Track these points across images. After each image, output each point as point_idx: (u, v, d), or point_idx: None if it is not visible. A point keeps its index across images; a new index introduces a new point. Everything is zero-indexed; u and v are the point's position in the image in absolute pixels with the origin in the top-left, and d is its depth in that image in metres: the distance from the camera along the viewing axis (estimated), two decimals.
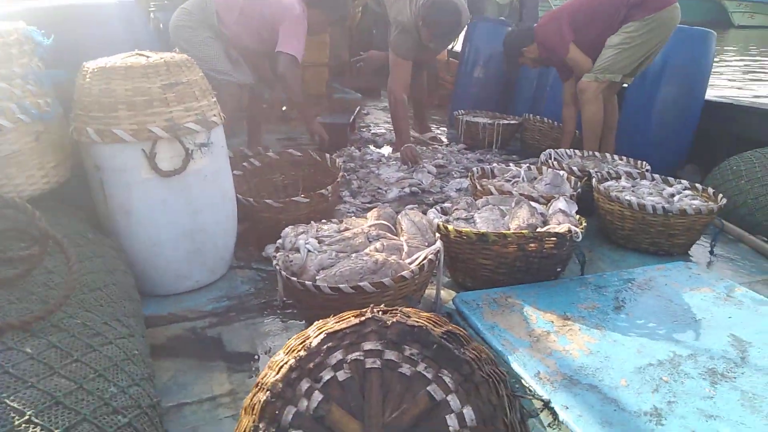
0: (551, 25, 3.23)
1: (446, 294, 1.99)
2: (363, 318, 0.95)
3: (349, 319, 0.96)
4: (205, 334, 1.76)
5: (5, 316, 1.19)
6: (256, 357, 1.66)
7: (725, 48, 14.72)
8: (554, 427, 1.25)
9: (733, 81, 10.62)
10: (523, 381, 1.42)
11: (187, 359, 1.63)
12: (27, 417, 0.93)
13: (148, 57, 1.82)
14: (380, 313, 0.97)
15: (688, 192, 2.50)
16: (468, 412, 0.85)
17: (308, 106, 3.32)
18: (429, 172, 3.31)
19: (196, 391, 1.49)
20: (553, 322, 1.68)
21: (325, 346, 0.91)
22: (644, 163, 2.92)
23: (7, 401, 0.95)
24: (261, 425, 0.85)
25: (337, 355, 0.90)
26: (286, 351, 0.95)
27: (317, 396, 0.86)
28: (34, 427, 0.92)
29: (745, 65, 13.11)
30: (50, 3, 2.16)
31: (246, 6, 2.93)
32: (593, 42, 3.11)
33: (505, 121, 4.10)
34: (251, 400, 0.91)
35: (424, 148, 4.00)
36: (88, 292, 1.44)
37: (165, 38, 3.34)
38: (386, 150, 3.92)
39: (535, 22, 4.87)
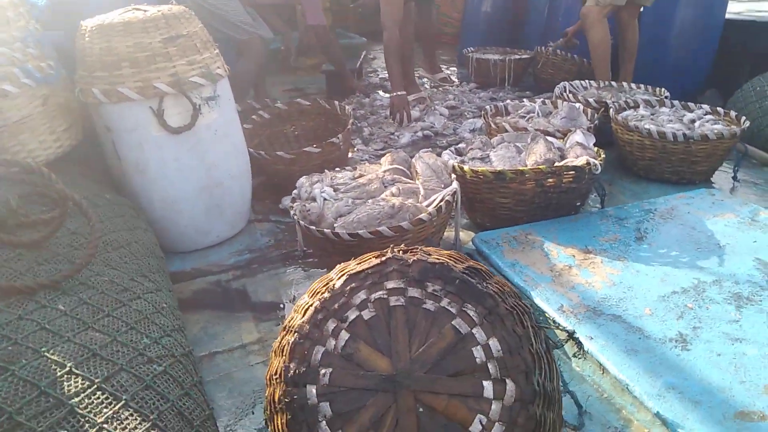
0: None
1: (465, 235, 1.99)
2: (384, 258, 0.95)
3: (370, 260, 0.96)
4: (230, 287, 1.79)
5: (36, 276, 1.21)
6: (282, 306, 1.69)
7: None
8: (579, 356, 1.27)
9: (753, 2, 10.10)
10: (546, 315, 1.42)
11: (215, 311, 1.67)
12: (68, 368, 0.96)
13: (145, 11, 1.78)
14: (401, 252, 0.97)
15: (709, 117, 2.42)
16: (494, 344, 0.86)
17: (345, 67, 3.52)
18: (441, 114, 3.25)
19: (227, 340, 1.53)
20: (574, 256, 1.68)
21: (348, 287, 0.92)
22: (663, 90, 2.82)
23: (48, 354, 0.98)
24: (292, 365, 0.87)
25: (361, 295, 0.91)
26: (311, 294, 0.96)
27: (344, 335, 0.88)
28: (75, 377, 0.95)
29: None
30: None
31: None
32: None
33: (517, 56, 3.98)
34: (280, 342, 0.93)
35: (435, 89, 3.91)
36: (112, 250, 1.46)
37: None
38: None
39: None
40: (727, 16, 3.40)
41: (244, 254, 1.98)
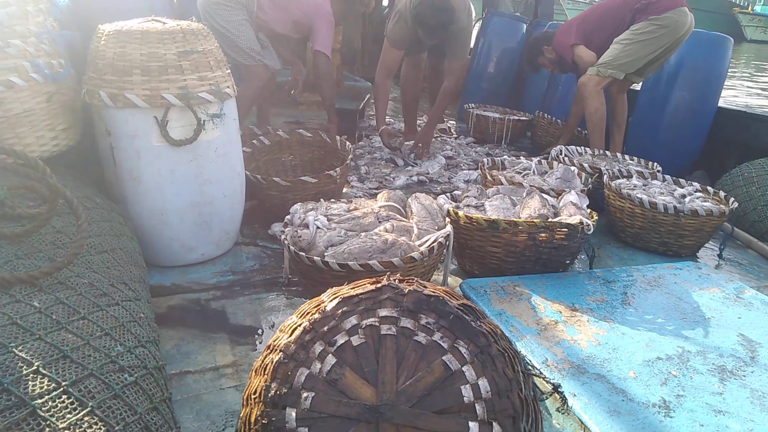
0: (561, 32, 3.37)
1: (453, 281, 1.97)
2: (379, 285, 0.93)
3: (364, 285, 0.94)
4: (209, 306, 1.75)
5: (13, 270, 1.17)
6: (260, 331, 1.64)
7: (738, 61, 14.74)
8: (562, 412, 1.24)
9: (744, 92, 10.64)
10: (531, 367, 1.40)
11: (191, 329, 1.61)
12: (35, 367, 0.91)
13: (164, 23, 1.80)
14: (396, 281, 0.95)
15: (699, 194, 2.48)
16: (483, 384, 0.84)
17: (334, 106, 3.32)
18: (438, 162, 3.29)
19: (199, 360, 1.47)
20: (561, 312, 1.67)
21: (340, 311, 0.89)
22: (655, 164, 2.90)
23: (15, 351, 0.93)
24: (273, 385, 0.83)
25: (352, 320, 0.88)
26: (300, 314, 0.94)
27: (330, 359, 0.85)
28: (42, 378, 0.90)
29: (757, 78, 13.12)
30: None
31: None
32: (603, 46, 3.16)
33: (515, 117, 4.08)
34: (262, 361, 0.90)
35: (434, 139, 3.97)
36: (95, 254, 1.42)
37: (179, 12, 3.31)
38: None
39: (549, 18, 4.86)
40: (720, 104, 3.54)
41: (227, 275, 1.94)
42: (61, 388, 0.91)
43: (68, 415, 0.89)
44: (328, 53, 3.08)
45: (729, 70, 3.62)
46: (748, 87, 11.49)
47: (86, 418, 0.88)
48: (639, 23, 3.04)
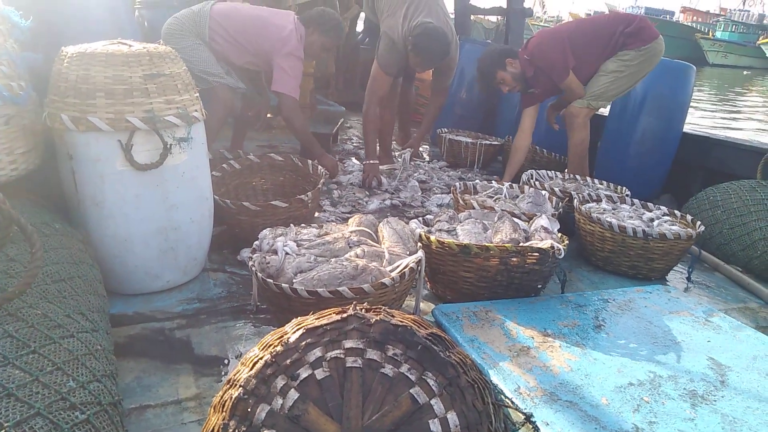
0: (553, 45, 3.08)
1: (425, 306, 1.95)
2: (345, 315, 0.90)
3: (330, 316, 0.91)
4: (173, 336, 1.68)
5: None
6: (226, 361, 1.58)
7: (700, 85, 15.32)
8: None
9: (707, 116, 11.02)
10: (503, 395, 1.37)
11: (153, 360, 1.55)
12: None
13: (130, 46, 1.77)
14: (363, 310, 0.93)
15: (666, 218, 2.52)
16: (452, 418, 0.81)
17: (315, 144, 3.12)
18: (411, 187, 3.29)
19: (161, 393, 1.41)
20: (533, 337, 1.65)
21: (303, 342, 0.86)
22: (624, 188, 2.94)
23: None
24: (231, 423, 0.79)
25: (316, 353, 0.85)
26: (262, 347, 0.90)
27: (293, 394, 0.81)
28: None
29: (719, 101, 13.62)
30: None
31: (241, 30, 2.86)
32: (586, 66, 3.13)
33: (487, 142, 4.12)
34: (221, 397, 0.85)
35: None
36: (51, 283, 1.36)
37: (149, 36, 3.28)
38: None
39: (520, 46, 4.95)
40: (685, 129, 3.64)
41: (193, 303, 1.88)
42: (3, 430, 0.85)
43: None
44: (292, 93, 2.90)
45: (693, 95, 3.73)
46: (712, 112, 11.91)
47: None
48: (629, 52, 3.01)
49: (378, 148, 3.73)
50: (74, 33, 1.92)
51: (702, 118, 10.54)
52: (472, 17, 5.78)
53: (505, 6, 5.36)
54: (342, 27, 3.10)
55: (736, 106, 13.73)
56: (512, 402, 1.31)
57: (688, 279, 2.43)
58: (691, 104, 3.82)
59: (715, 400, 1.41)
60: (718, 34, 29.43)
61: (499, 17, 7.06)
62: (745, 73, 24.34)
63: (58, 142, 1.76)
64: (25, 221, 1.26)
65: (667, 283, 2.40)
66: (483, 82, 3.35)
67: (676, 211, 2.57)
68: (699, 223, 2.41)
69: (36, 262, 1.23)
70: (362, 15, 5.35)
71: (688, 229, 2.37)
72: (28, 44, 1.76)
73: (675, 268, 2.47)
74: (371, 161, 3.40)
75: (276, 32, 2.85)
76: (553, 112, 3.50)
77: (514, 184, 2.78)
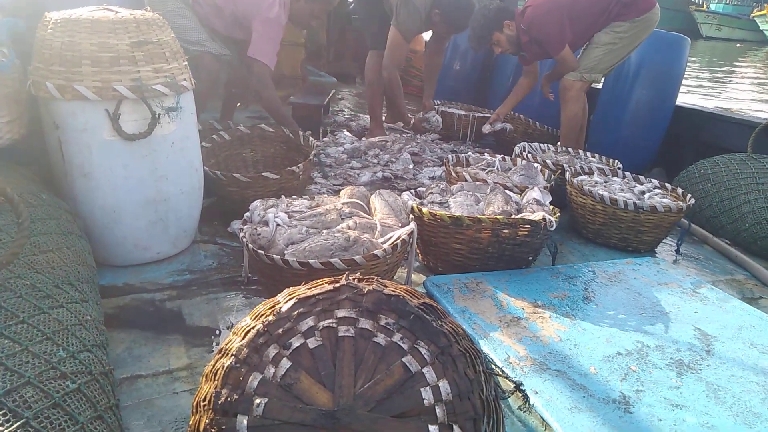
0: (551, 16, 3.00)
1: (416, 278, 1.95)
2: (337, 284, 0.90)
3: (322, 285, 0.91)
4: (163, 307, 1.68)
5: None
6: (217, 332, 1.59)
7: (694, 58, 15.28)
8: (524, 410, 1.23)
9: (700, 89, 11.01)
10: (493, 364, 1.39)
11: (144, 331, 1.55)
12: None
13: (116, 12, 1.72)
14: (355, 280, 0.92)
15: (658, 191, 2.53)
16: (444, 386, 0.81)
17: (286, 119, 2.96)
18: (404, 159, 3.27)
19: (152, 364, 1.41)
20: (523, 308, 1.67)
21: (295, 312, 0.86)
22: (616, 161, 2.94)
23: None
24: (223, 391, 0.79)
25: (309, 322, 0.85)
26: (254, 316, 0.90)
27: (285, 363, 0.81)
28: None
29: (713, 75, 13.60)
30: None
31: None
32: (579, 37, 3.08)
33: (480, 114, 4.09)
34: (213, 366, 0.85)
35: (398, 135, 3.95)
36: (39, 253, 1.34)
37: (134, 3, 3.19)
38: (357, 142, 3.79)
39: (514, 7, 4.87)
40: (678, 103, 3.63)
41: (183, 274, 1.88)
42: None
43: (0, 428, 0.83)
44: (266, 61, 2.76)
45: (686, 68, 3.71)
46: (705, 85, 11.89)
47: (20, 431, 0.82)
48: (623, 23, 2.96)
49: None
50: None
51: (694, 92, 10.53)
52: None
53: None
54: None
55: (728, 79, 13.72)
56: (502, 371, 1.33)
57: (677, 251, 2.45)
58: (684, 78, 3.79)
59: (700, 369, 1.44)
60: (713, 6, 29.17)
61: None
62: (738, 45, 24.23)
63: (44, 111, 1.72)
64: (11, 191, 1.24)
65: (657, 255, 2.42)
66: (476, 41, 3.26)
67: (667, 184, 2.57)
68: (689, 196, 2.42)
69: (23, 233, 1.21)
70: None
71: (679, 202, 2.38)
72: (9, 9, 1.71)
73: (664, 240, 2.49)
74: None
75: None
76: (548, 83, 3.47)
77: (506, 157, 2.77)
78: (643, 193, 2.49)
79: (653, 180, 2.62)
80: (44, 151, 1.82)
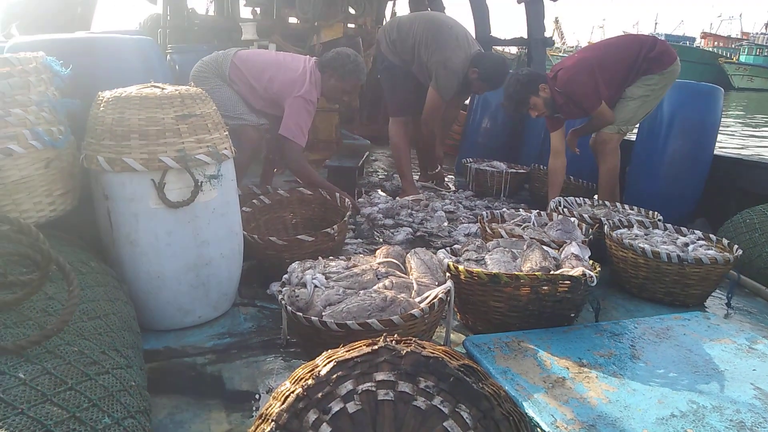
0: (585, 76, 3.08)
1: (455, 337, 1.92)
2: (375, 347, 0.90)
3: (360, 348, 0.90)
4: (204, 371, 1.69)
5: (0, 340, 1.14)
6: (257, 396, 1.58)
7: (727, 108, 15.14)
8: None
9: (738, 139, 10.81)
10: (539, 428, 1.33)
11: (185, 396, 1.55)
12: None
13: (163, 89, 1.84)
14: (394, 342, 0.92)
15: (702, 242, 2.46)
16: None
17: (321, 183, 3.00)
18: (438, 216, 3.28)
19: (194, 430, 1.41)
20: (568, 368, 1.61)
21: (334, 375, 0.86)
22: (656, 213, 2.89)
23: None
24: None
25: (348, 386, 0.85)
26: (293, 380, 0.90)
27: (325, 428, 0.80)
28: None
29: (748, 125, 13.37)
30: (71, 36, 2.20)
31: (257, 75, 2.90)
32: (612, 91, 3.15)
33: (513, 170, 4.11)
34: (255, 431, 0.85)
35: (431, 193, 3.99)
36: (87, 320, 1.39)
37: (179, 80, 3.40)
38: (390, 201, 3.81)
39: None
40: (716, 152, 3.58)
41: (223, 338, 1.90)
42: None
43: None
44: (296, 140, 2.84)
45: (721, 118, 3.67)
46: (741, 134, 11.68)
47: None
48: (653, 76, 3.07)
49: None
50: (109, 78, 2.00)
51: (732, 143, 10.35)
52: (493, 48, 5.83)
53: (525, 36, 5.41)
54: (361, 68, 3.01)
55: (764, 129, 13.47)
56: None
57: (728, 305, 2.34)
58: (720, 128, 3.76)
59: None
60: (743, 58, 29.19)
61: (520, 48, 7.13)
62: None
63: (94, 182, 1.82)
64: (63, 260, 1.30)
65: (706, 309, 2.32)
66: (512, 107, 3.31)
67: (711, 235, 2.50)
68: (736, 246, 2.34)
69: (73, 300, 1.26)
70: None
71: (725, 253, 2.30)
72: (67, 90, 1.85)
73: (713, 294, 2.39)
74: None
75: (288, 75, 2.88)
76: (575, 138, 3.48)
77: (542, 212, 2.75)
78: (686, 245, 2.42)
79: (696, 231, 2.55)
80: (93, 221, 1.91)
